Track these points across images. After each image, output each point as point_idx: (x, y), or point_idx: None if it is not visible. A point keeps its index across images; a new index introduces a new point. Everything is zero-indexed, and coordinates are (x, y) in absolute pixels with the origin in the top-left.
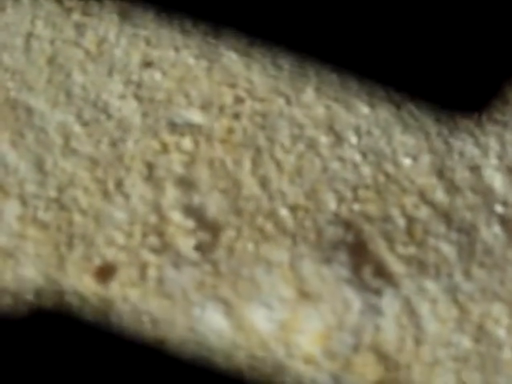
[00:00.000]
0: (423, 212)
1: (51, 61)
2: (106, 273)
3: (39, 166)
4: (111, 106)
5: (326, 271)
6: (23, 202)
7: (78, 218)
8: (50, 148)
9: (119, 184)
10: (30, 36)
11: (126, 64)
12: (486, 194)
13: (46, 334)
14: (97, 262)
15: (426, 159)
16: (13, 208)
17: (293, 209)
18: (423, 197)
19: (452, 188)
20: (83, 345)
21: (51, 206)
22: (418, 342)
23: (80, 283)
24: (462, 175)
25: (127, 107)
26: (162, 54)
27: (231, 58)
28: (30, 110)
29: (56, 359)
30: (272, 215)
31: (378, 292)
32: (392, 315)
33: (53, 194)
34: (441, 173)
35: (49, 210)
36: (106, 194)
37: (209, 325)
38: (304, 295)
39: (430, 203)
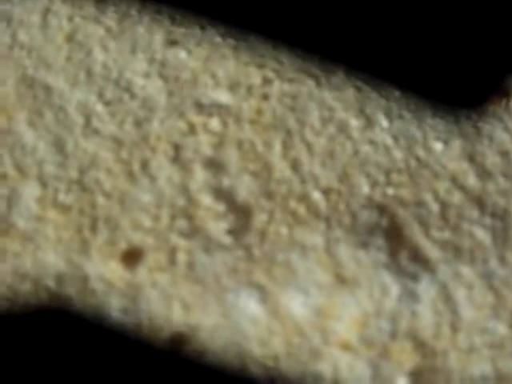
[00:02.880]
0: (456, 197)
1: (70, 38)
2: (132, 257)
3: (59, 146)
4: (135, 84)
5: (363, 256)
6: (43, 183)
7: (101, 200)
8: (70, 128)
9: (145, 165)
10: (47, 12)
11: (150, 42)
12: None
13: (71, 321)
14: (123, 246)
15: (456, 144)
16: (32, 190)
17: (325, 192)
18: (455, 182)
19: (483, 173)
20: (111, 332)
21: (72, 187)
22: (454, 328)
23: (105, 268)
24: (492, 160)
25: (152, 86)
26: (187, 32)
27: (259, 37)
28: (48, 89)
29: (81, 348)
30: (304, 198)
31: (414, 277)
32: (428, 301)
33: (74, 175)
34: (472, 157)
35: (70, 192)
36: (130, 176)
37: (243, 311)
38: (340, 280)
39: (463, 188)
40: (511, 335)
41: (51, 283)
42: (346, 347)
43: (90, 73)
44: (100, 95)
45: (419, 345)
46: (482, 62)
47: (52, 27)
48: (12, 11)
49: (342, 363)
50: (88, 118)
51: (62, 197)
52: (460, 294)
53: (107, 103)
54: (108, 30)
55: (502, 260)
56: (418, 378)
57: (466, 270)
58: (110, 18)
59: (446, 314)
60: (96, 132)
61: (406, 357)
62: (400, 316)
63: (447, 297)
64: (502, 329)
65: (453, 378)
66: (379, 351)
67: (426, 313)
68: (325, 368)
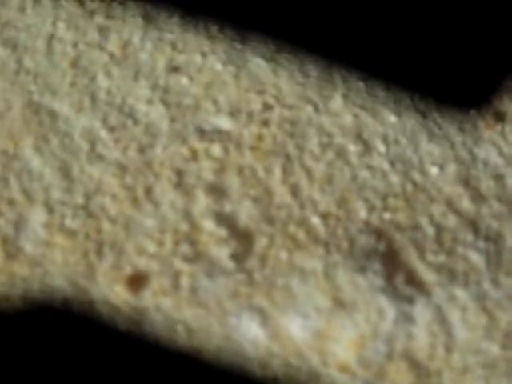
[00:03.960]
0: (451, 220)
1: (74, 64)
2: (137, 282)
3: (65, 172)
4: (138, 110)
5: (361, 280)
6: (49, 209)
7: (106, 225)
8: (75, 154)
9: (148, 191)
10: (51, 38)
11: (152, 68)
12: (511, 202)
13: (77, 344)
14: (128, 270)
15: (451, 168)
16: (39, 215)
17: (324, 217)
18: (450, 205)
19: (478, 197)
20: (115, 355)
21: (78, 213)
22: (448, 349)
23: (111, 292)
24: (486, 184)
25: (154, 112)
26: (189, 59)
27: (258, 64)
28: (53, 115)
29: (87, 370)
30: (304, 223)
31: (410, 300)
32: (424, 323)
33: (80, 200)
34: (466, 182)
35: (76, 217)
36: (135, 201)
37: (244, 334)
38: (339, 304)
39: (457, 212)
40: (504, 355)
41: (58, 307)
42: (343, 368)
43: (94, 99)
44: (104, 121)
45: (414, 365)
46: (477, 88)
47: (57, 53)
48: (17, 37)
49: None
50: (93, 144)
51: (68, 222)
52: (454, 316)
53: (111, 129)
54: (111, 56)
55: (496, 282)
56: None
57: (460, 293)
58: (113, 45)
59: (440, 336)
60: (101, 158)
61: (402, 377)
62: (396, 338)
63: (442, 319)
64: (495, 349)
65: None
66: (376, 372)
67: (421, 334)
68: None
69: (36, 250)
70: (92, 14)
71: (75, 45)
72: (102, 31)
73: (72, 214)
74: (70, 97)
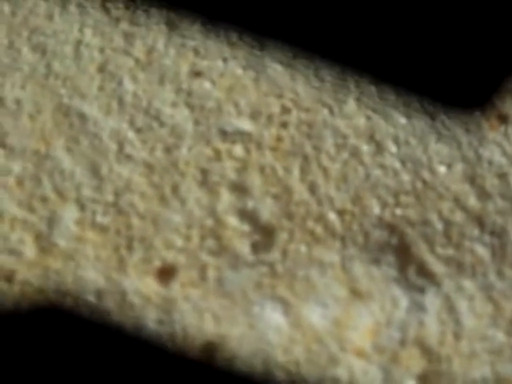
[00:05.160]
0: (458, 216)
1: (102, 69)
2: (166, 274)
3: (95, 171)
4: (163, 113)
5: (375, 271)
6: (81, 206)
7: (136, 221)
8: (104, 154)
9: (175, 189)
10: (79, 44)
11: (176, 73)
12: None
13: (110, 333)
14: (157, 263)
15: (458, 167)
16: (71, 212)
17: (340, 213)
18: (458, 202)
19: (483, 194)
20: (147, 342)
21: (109, 210)
22: (457, 336)
23: (141, 284)
24: (491, 182)
25: (179, 115)
26: (211, 64)
27: (276, 69)
28: (83, 117)
29: (122, 357)
30: (321, 219)
31: (421, 290)
32: (434, 312)
33: (110, 198)
34: (472, 180)
35: (107, 214)
36: (162, 199)
37: (268, 322)
38: (355, 294)
39: (464, 208)
40: (509, 342)
41: (91, 298)
42: (360, 354)
43: (121, 102)
44: (131, 123)
45: (426, 351)
46: (481, 91)
47: (84, 58)
48: (46, 43)
49: (357, 368)
50: (121, 145)
51: (99, 218)
52: (462, 305)
53: (138, 131)
54: (137, 61)
55: (501, 274)
56: (425, 380)
57: (467, 284)
58: (139, 51)
59: (449, 324)
60: (129, 158)
61: (414, 362)
62: (408, 325)
63: (451, 308)
64: (500, 336)
65: (456, 380)
66: (390, 357)
67: (432, 322)
68: (341, 373)
69: (69, 245)
70: (117, 20)
71: (102, 50)
72: (127, 37)
73: (103, 210)
74: (98, 100)
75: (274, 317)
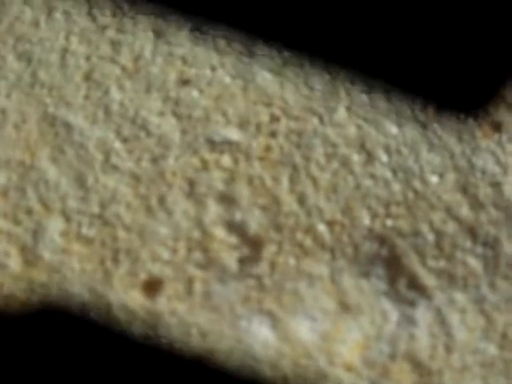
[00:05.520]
0: (450, 227)
1: (88, 77)
2: (152, 287)
3: (80, 181)
4: (150, 122)
5: (365, 284)
6: (66, 217)
7: (122, 233)
8: (90, 164)
9: (162, 200)
10: (65, 52)
11: (163, 81)
12: (508, 209)
13: (94, 347)
14: (143, 276)
15: (451, 176)
16: (56, 224)
17: (330, 224)
18: (450, 212)
19: (476, 204)
20: (132, 358)
21: (94, 221)
22: (448, 349)
23: (127, 297)
24: (484, 192)
25: (166, 124)
26: (199, 73)
27: (265, 77)
28: (68, 126)
29: (105, 372)
30: (310, 230)
31: (412, 303)
32: (425, 325)
33: (96, 209)
34: (465, 189)
35: (92, 225)
36: (149, 210)
37: (255, 336)
38: (344, 307)
39: (456, 219)
40: (501, 355)
41: (76, 312)
42: (349, 368)
43: (107, 111)
44: (118, 133)
45: (416, 365)
46: (474, 98)
47: (70, 66)
48: (31, 51)
49: (346, 383)
50: (107, 155)
51: (84, 230)
52: (454, 318)
53: (125, 140)
54: (123, 69)
55: (493, 286)
56: None
57: (459, 296)
58: (125, 59)
59: (441, 337)
60: (115, 168)
61: (405, 376)
62: (399, 339)
63: (442, 321)
64: (492, 349)
65: None
66: (380, 372)
67: (423, 336)
68: None
69: (54, 258)
70: (104, 28)
71: (88, 58)
72: (114, 45)
73: (88, 222)
74: (84, 109)
75: (261, 331)
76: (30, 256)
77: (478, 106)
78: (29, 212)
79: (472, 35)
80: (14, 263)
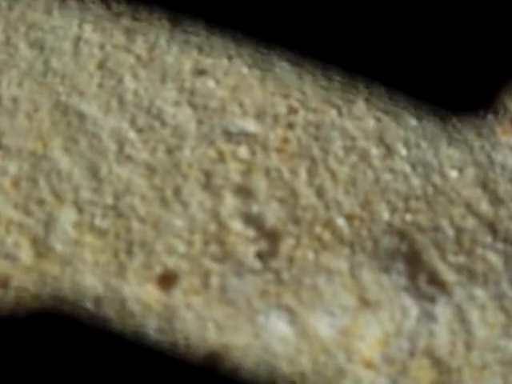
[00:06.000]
0: (470, 223)
1: (101, 66)
2: (168, 281)
3: (94, 172)
4: (165, 112)
5: (385, 279)
6: (79, 208)
7: (136, 225)
8: (104, 154)
9: (177, 192)
10: (78, 40)
11: (179, 71)
12: None
13: (109, 341)
14: (158, 269)
15: (470, 171)
16: (68, 215)
17: (349, 218)
18: (469, 208)
19: (496, 200)
20: (148, 352)
21: (108, 213)
22: (468, 346)
23: (142, 291)
24: (504, 187)
25: (182, 114)
26: (215, 62)
27: (283, 68)
28: (81, 116)
29: (120, 367)
30: (329, 224)
31: (432, 299)
32: (445, 321)
33: (109, 200)
34: (485, 185)
35: (106, 217)
36: (164, 202)
37: (273, 332)
38: (364, 303)
39: (476, 214)
40: None
41: (90, 306)
42: (368, 365)
43: (121, 100)
44: (132, 123)
45: (436, 362)
46: (494, 94)
47: (84, 55)
48: (44, 39)
49: (365, 380)
50: (121, 145)
51: (98, 222)
52: (474, 314)
53: (139, 131)
54: (138, 58)
55: None
56: None
57: (479, 292)
58: (140, 47)
59: (460, 334)
60: (129, 159)
61: (424, 373)
62: (418, 336)
63: (462, 317)
64: None
65: None
66: (399, 368)
67: (442, 332)
68: None
69: (66, 250)
70: (118, 16)
71: (102, 47)
72: (129, 33)
73: (102, 213)
74: (98, 98)
75: (279, 326)
76: (41, 248)
77: (497, 102)
78: (40, 203)
79: (495, 32)
80: (25, 255)
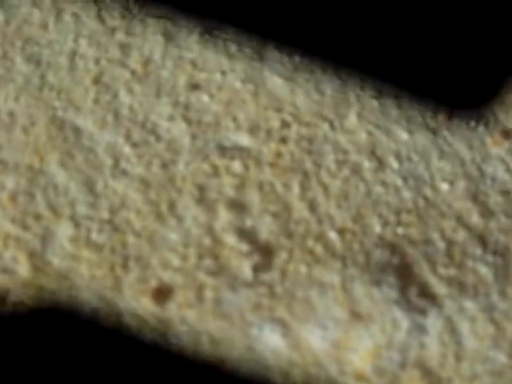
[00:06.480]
0: (461, 235)
1: (97, 80)
2: (163, 294)
3: (90, 186)
4: (160, 127)
5: (376, 293)
6: (75, 223)
7: (131, 239)
8: (100, 169)
9: (172, 206)
10: (74, 55)
11: (173, 85)
12: None
13: (105, 354)
14: (153, 283)
15: (461, 184)
16: (65, 229)
17: (341, 232)
18: (460, 220)
19: (486, 212)
20: (143, 365)
21: (104, 227)
22: (458, 358)
23: (137, 304)
24: (494, 199)
25: (176, 129)
26: (209, 77)
27: (276, 82)
28: (77, 131)
29: (115, 380)
30: (321, 238)
31: (423, 312)
32: (435, 333)
33: (105, 215)
34: (475, 197)
35: (102, 231)
36: (159, 216)
37: (266, 344)
38: (356, 316)
39: (467, 226)
40: (511, 364)
41: (86, 319)
42: (360, 377)
43: (117, 115)
44: (127, 137)
45: (426, 373)
46: (484, 106)
47: (79, 69)
48: (40, 53)
49: None
50: (116, 160)
51: (94, 236)
52: (464, 326)
53: (134, 145)
54: (133, 73)
55: (503, 294)
56: None
57: (469, 305)
58: (135, 62)
59: (451, 345)
60: (124, 173)
61: None
62: (409, 347)
63: (452, 329)
64: (502, 358)
65: None
66: (390, 380)
67: (433, 344)
68: None
69: (63, 264)
70: (113, 31)
71: (97, 61)
72: (124, 48)
73: (98, 228)
74: (94, 113)
75: (272, 339)
76: (38, 262)
77: (488, 113)
78: (37, 217)
79: (485, 43)
80: (23, 269)
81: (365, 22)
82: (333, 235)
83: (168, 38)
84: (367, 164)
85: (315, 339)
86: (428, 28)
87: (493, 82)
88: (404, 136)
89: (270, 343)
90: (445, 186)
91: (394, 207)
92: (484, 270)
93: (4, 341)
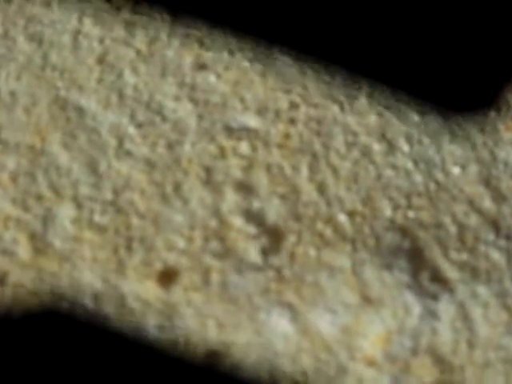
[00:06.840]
0: (473, 219)
1: (101, 60)
2: (168, 277)
3: (93, 167)
4: (166, 107)
5: (387, 277)
6: (78, 204)
7: (135, 221)
8: (103, 150)
9: (177, 187)
10: (77, 34)
11: (179, 65)
12: None
13: (109, 338)
14: (158, 266)
15: (473, 168)
16: (67, 211)
17: (350, 215)
18: (472, 205)
19: (498, 196)
20: (147, 349)
21: (107, 208)
22: (470, 345)
23: (141, 288)
24: (507, 184)
25: (182, 109)
26: (216, 57)
27: (285, 62)
28: (81, 111)
29: (118, 365)
30: (331, 221)
31: (435, 297)
32: (447, 319)
33: (108, 196)
34: (487, 182)
35: (105, 213)
36: (163, 198)
37: (274, 329)
38: (366, 300)
39: (479, 211)
40: None
41: (88, 302)
42: (370, 363)
43: (121, 95)
44: (132, 118)
45: (438, 360)
46: (497, 91)
47: (83, 49)
48: (43, 32)
49: (367, 378)
50: (121, 140)
51: (97, 218)
52: (476, 312)
53: (139, 126)
54: (138, 52)
55: None
56: None
57: (482, 290)
58: (140, 41)
59: (463, 332)
60: (129, 154)
61: (426, 371)
62: (421, 333)
63: (465, 315)
64: None
65: None
66: (401, 366)
67: (445, 330)
68: (350, 382)
69: (65, 246)
70: (118, 9)
71: (102, 41)
72: (129, 27)
73: (101, 209)
74: (97, 93)
75: (280, 324)
76: (39, 244)
77: (500, 99)
78: (39, 198)
79: (499, 29)
80: (23, 251)
81: (378, 3)
82: (342, 218)
83: (175, 16)
84: (377, 146)
85: (324, 324)
86: (442, 12)
87: (506, 67)
88: (415, 118)
89: (278, 328)
90: (456, 170)
91: (404, 190)
92: (496, 255)
93: (4, 323)
